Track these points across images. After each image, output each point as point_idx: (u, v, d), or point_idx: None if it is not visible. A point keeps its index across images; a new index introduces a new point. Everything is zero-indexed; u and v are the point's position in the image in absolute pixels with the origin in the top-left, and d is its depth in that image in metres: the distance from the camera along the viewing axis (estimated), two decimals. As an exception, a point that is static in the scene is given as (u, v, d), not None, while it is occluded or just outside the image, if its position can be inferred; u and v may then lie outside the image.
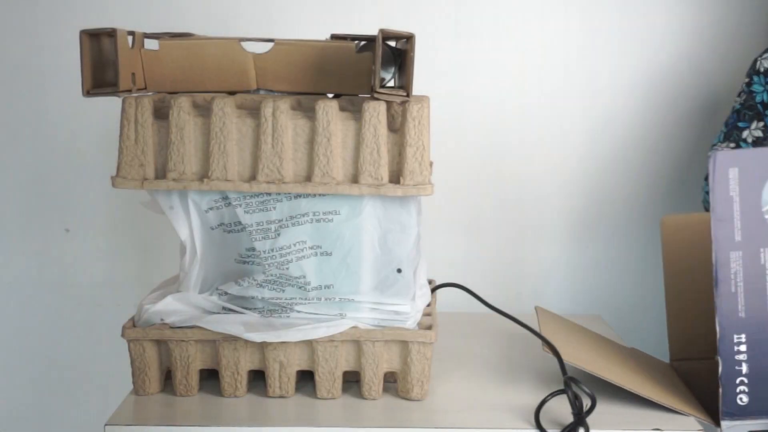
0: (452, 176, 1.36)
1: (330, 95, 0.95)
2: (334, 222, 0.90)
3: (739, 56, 1.36)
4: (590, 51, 1.35)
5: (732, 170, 0.84)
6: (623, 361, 1.02)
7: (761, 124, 1.20)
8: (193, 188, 0.88)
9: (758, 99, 1.21)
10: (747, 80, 1.24)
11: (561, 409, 0.91)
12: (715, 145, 1.26)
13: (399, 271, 0.91)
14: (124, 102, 0.88)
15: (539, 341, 0.97)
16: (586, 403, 0.89)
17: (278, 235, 0.90)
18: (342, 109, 0.89)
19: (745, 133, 1.21)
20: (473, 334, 1.17)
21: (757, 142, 1.20)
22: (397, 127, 0.89)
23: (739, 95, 1.25)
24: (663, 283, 1.05)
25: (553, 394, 0.90)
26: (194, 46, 0.93)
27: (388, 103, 0.88)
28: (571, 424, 0.87)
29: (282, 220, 0.90)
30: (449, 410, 0.92)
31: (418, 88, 0.99)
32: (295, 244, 0.90)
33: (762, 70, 1.22)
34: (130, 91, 0.89)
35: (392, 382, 0.97)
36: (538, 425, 0.88)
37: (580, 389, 0.89)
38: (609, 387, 0.96)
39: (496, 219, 1.40)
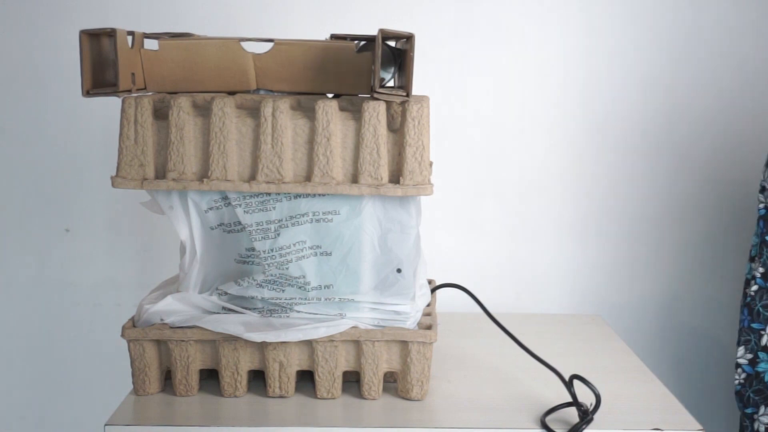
0: (452, 176, 1.36)
1: (330, 95, 0.95)
2: (334, 222, 0.90)
3: (742, 55, 1.36)
4: (590, 50, 1.35)
5: None
6: None
7: None
8: (193, 188, 0.88)
9: None
10: None
11: (564, 408, 0.91)
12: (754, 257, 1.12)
13: (399, 271, 0.91)
14: (123, 102, 0.88)
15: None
16: (591, 401, 0.89)
17: (278, 235, 0.90)
18: (342, 109, 0.89)
19: None
20: (473, 334, 1.17)
21: None
22: (396, 127, 0.89)
23: (762, 192, 1.12)
24: None
25: (561, 406, 0.91)
26: (194, 46, 0.93)
27: (388, 103, 0.88)
28: (578, 423, 0.87)
29: (282, 220, 0.90)
30: (449, 410, 0.92)
31: (418, 88, 0.99)
32: (294, 244, 0.90)
33: None
34: (129, 91, 0.89)
35: (392, 382, 0.97)
36: (544, 425, 0.88)
37: (585, 387, 0.89)
38: (609, 387, 0.96)
39: (496, 219, 1.39)
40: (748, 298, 1.11)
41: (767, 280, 1.10)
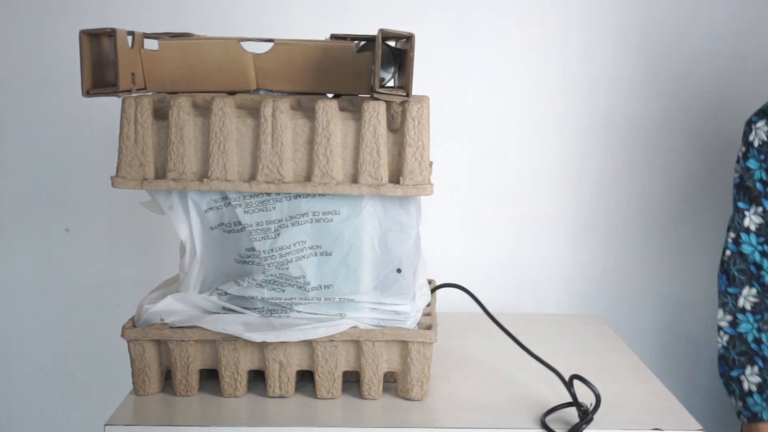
0: (452, 176, 1.36)
1: (330, 95, 0.95)
2: (334, 222, 0.90)
3: (742, 56, 1.36)
4: (590, 51, 1.35)
5: None
6: None
7: (760, 209, 1.10)
8: (193, 188, 0.88)
9: (756, 177, 1.11)
10: (743, 149, 1.12)
11: (564, 408, 0.91)
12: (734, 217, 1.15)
13: (399, 271, 0.91)
14: (123, 102, 0.88)
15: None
16: (590, 401, 0.89)
17: (278, 235, 0.90)
18: (342, 109, 0.89)
19: (746, 221, 1.12)
20: (473, 334, 1.17)
21: (759, 229, 1.11)
22: (396, 127, 0.89)
23: (738, 163, 1.14)
24: None
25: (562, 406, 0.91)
26: (194, 46, 0.93)
27: (388, 103, 0.88)
28: (578, 423, 0.87)
29: (282, 220, 0.90)
30: (449, 410, 0.92)
31: (418, 88, 0.99)
32: (294, 244, 0.90)
33: (757, 143, 1.10)
34: (129, 91, 0.89)
35: (392, 382, 0.97)
36: (544, 425, 0.87)
37: (585, 387, 0.89)
38: (609, 387, 0.96)
39: (496, 219, 1.40)
40: (725, 264, 1.15)
41: (738, 245, 1.13)
